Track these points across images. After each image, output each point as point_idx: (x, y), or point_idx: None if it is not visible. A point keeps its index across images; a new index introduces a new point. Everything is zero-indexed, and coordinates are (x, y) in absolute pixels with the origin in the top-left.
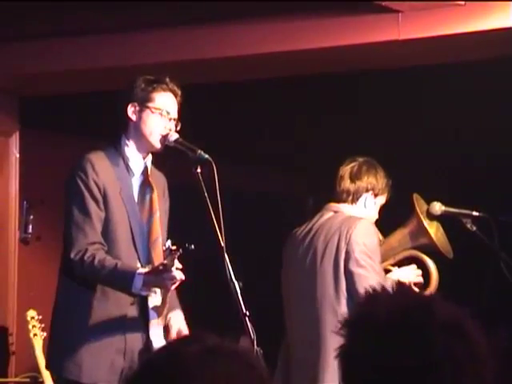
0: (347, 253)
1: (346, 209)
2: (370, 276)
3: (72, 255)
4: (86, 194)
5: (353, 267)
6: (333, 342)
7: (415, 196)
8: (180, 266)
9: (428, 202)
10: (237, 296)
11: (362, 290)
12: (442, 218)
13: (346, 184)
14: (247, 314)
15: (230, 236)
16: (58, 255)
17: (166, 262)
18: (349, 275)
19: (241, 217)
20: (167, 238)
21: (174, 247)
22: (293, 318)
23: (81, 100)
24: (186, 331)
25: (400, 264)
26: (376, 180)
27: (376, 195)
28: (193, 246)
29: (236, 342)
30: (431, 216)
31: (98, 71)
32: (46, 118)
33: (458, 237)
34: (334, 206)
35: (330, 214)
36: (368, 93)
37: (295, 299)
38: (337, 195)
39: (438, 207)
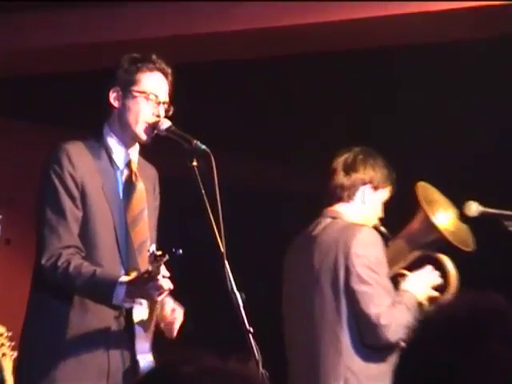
0: (347, 268)
1: (343, 211)
2: (375, 293)
3: (43, 261)
4: (61, 189)
5: (355, 284)
6: (331, 365)
7: (419, 185)
8: (167, 274)
9: (459, 201)
10: (239, 310)
11: (367, 310)
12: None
13: (340, 178)
14: (251, 330)
15: (231, 240)
16: (31, 261)
17: (150, 269)
18: (351, 293)
19: (242, 217)
20: (157, 241)
21: (158, 252)
22: (292, 338)
23: (54, 83)
24: (180, 310)
25: (413, 266)
26: (374, 170)
27: (376, 188)
28: (180, 251)
29: (241, 363)
30: (465, 217)
31: (70, 48)
32: (13, 104)
33: (495, 239)
34: (330, 210)
35: (328, 220)
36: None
37: (294, 317)
38: (330, 192)
39: (474, 207)
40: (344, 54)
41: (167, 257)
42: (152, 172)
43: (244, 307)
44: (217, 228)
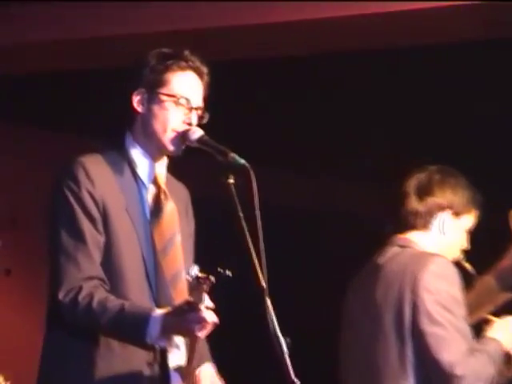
0: (415, 305)
1: (416, 239)
2: (449, 336)
3: (61, 296)
4: (78, 209)
5: (424, 325)
6: None
7: None
8: (211, 305)
9: None
10: (283, 357)
11: (439, 357)
12: None
13: (412, 203)
14: (297, 382)
15: (275, 272)
16: (36, 296)
17: (191, 298)
18: (419, 336)
19: (289, 245)
20: (186, 272)
21: (202, 275)
22: None
23: (60, 81)
24: None
25: (503, 311)
26: (454, 193)
27: (457, 214)
28: (229, 272)
29: None
30: None
31: (86, 41)
32: (13, 107)
33: None
34: (401, 238)
35: (396, 249)
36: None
37: (352, 364)
38: (400, 219)
39: None
40: (383, 61)
41: (213, 279)
42: (183, 192)
43: (289, 355)
44: (257, 257)
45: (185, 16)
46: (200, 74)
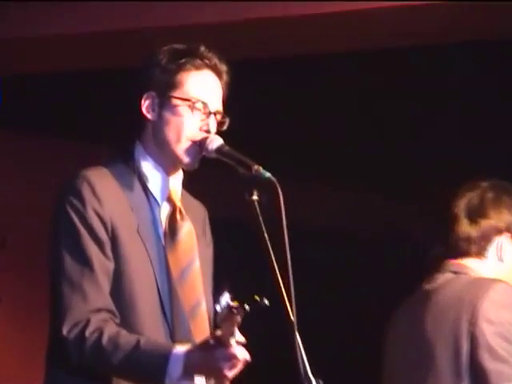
0: (473, 338)
1: (472, 265)
2: None
3: (65, 331)
4: (84, 231)
5: (484, 360)
6: None
7: None
8: (243, 340)
9: None
10: None
11: None
12: None
13: (463, 227)
14: None
15: (306, 303)
16: (31, 331)
17: (219, 331)
18: (479, 373)
19: (322, 271)
20: (215, 300)
21: (235, 304)
22: None
23: (63, 82)
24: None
25: None
26: None
27: None
28: (267, 302)
29: None
30: None
31: (90, 36)
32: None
33: None
34: (454, 264)
35: (448, 275)
36: None
37: None
38: (453, 244)
39: None
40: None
41: (247, 308)
42: (200, 210)
43: None
44: (285, 286)
45: (196, 9)
46: (218, 73)
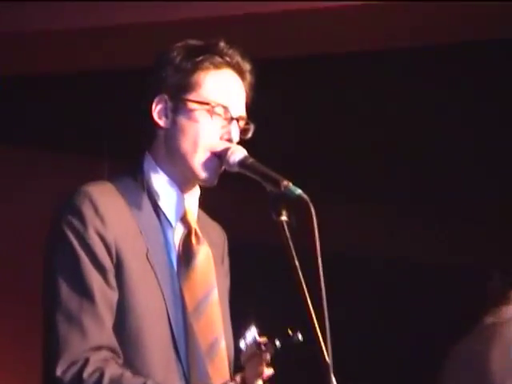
0: None
1: None
2: None
3: (59, 371)
4: (84, 257)
5: None
6: None
7: None
8: (271, 372)
9: None
10: None
11: None
12: None
13: None
14: None
15: (344, 340)
16: (18, 375)
17: (245, 372)
18: None
19: (361, 303)
20: (241, 336)
21: (262, 339)
22: None
23: (59, 85)
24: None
25: None
26: None
27: None
28: (300, 336)
29: None
30: None
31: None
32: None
33: None
34: None
35: None
36: None
37: None
38: None
39: None
40: None
41: (278, 345)
42: (219, 234)
43: None
44: (318, 322)
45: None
46: (241, 73)
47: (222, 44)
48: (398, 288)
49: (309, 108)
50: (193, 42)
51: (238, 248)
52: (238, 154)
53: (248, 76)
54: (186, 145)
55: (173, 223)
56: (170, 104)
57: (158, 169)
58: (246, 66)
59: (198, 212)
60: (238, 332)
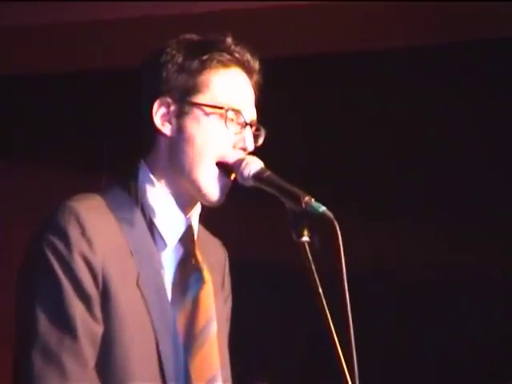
0: None
1: None
2: None
3: None
4: (67, 285)
5: None
6: None
7: None
8: None
9: None
10: None
11: None
12: None
13: None
14: None
15: (372, 370)
16: None
17: None
18: None
19: (390, 328)
20: (250, 376)
21: None
22: None
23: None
24: None
25: None
26: None
27: None
28: None
29: None
30: None
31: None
32: None
33: None
34: None
35: None
36: None
37: None
38: None
39: None
40: None
41: None
42: (219, 254)
43: None
44: (344, 351)
45: None
46: (250, 72)
47: (229, 40)
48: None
49: (315, 111)
50: (191, 36)
51: (243, 269)
52: (253, 165)
53: (255, 76)
54: (192, 156)
55: (169, 244)
56: (173, 108)
57: (155, 181)
58: (256, 65)
59: (200, 229)
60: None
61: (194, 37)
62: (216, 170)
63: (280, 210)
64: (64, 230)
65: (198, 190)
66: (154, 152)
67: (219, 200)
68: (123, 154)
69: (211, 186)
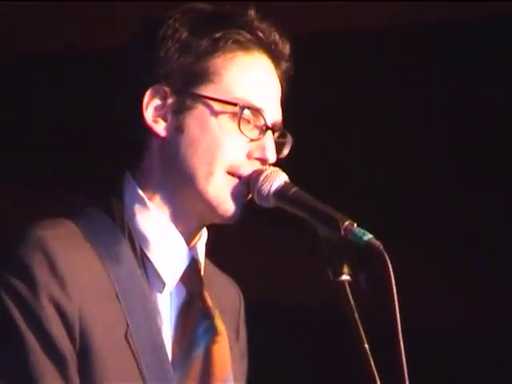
0: None
1: None
2: None
3: None
4: (32, 340)
5: None
6: None
7: None
8: None
9: None
10: None
11: None
12: None
13: None
14: None
15: None
16: None
17: None
18: None
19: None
20: None
21: None
22: None
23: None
24: None
25: None
26: None
27: None
28: None
29: None
30: None
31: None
32: None
33: None
34: None
35: None
36: None
37: None
38: None
39: None
40: None
41: None
42: (232, 295)
43: None
44: None
45: None
46: (277, 58)
47: (251, 13)
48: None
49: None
50: (202, 6)
51: (259, 315)
52: (274, 180)
53: (284, 64)
54: (195, 164)
55: (169, 284)
56: (171, 100)
57: (146, 200)
58: (286, 49)
59: (207, 264)
60: None
61: (206, 7)
62: (228, 178)
63: (310, 238)
64: (27, 268)
65: (208, 203)
66: (144, 159)
67: (235, 214)
68: (100, 161)
69: (224, 196)
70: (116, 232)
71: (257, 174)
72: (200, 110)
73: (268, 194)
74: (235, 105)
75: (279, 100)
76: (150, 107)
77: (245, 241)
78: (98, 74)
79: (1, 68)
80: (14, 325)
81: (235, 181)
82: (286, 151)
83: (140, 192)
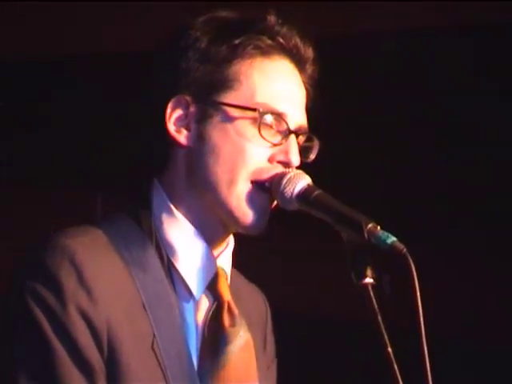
0: None
1: None
2: None
3: None
4: (60, 350)
5: None
6: None
7: None
8: None
9: None
10: None
11: None
12: None
13: None
14: None
15: None
16: None
17: None
18: None
19: None
20: None
21: None
22: None
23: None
24: None
25: None
26: None
27: None
28: None
29: None
30: None
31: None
32: None
33: None
34: None
35: None
36: None
37: None
38: None
39: None
40: None
41: None
42: (259, 304)
43: None
44: None
45: None
46: (300, 63)
47: (272, 19)
48: None
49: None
50: (222, 14)
51: (286, 325)
52: (297, 183)
53: (309, 68)
54: (218, 172)
55: (195, 294)
56: (193, 109)
57: (174, 209)
58: (309, 53)
59: (234, 274)
60: None
61: (227, 14)
62: (251, 188)
63: (334, 241)
64: (55, 278)
65: (229, 212)
66: (169, 169)
67: (257, 225)
68: (127, 168)
69: (246, 208)
70: (143, 240)
71: (279, 177)
72: (221, 117)
73: (291, 197)
74: (255, 110)
75: (303, 104)
76: (173, 118)
77: (273, 249)
78: (121, 78)
79: (18, 67)
80: (43, 335)
81: (258, 191)
82: (312, 156)
83: (167, 199)
